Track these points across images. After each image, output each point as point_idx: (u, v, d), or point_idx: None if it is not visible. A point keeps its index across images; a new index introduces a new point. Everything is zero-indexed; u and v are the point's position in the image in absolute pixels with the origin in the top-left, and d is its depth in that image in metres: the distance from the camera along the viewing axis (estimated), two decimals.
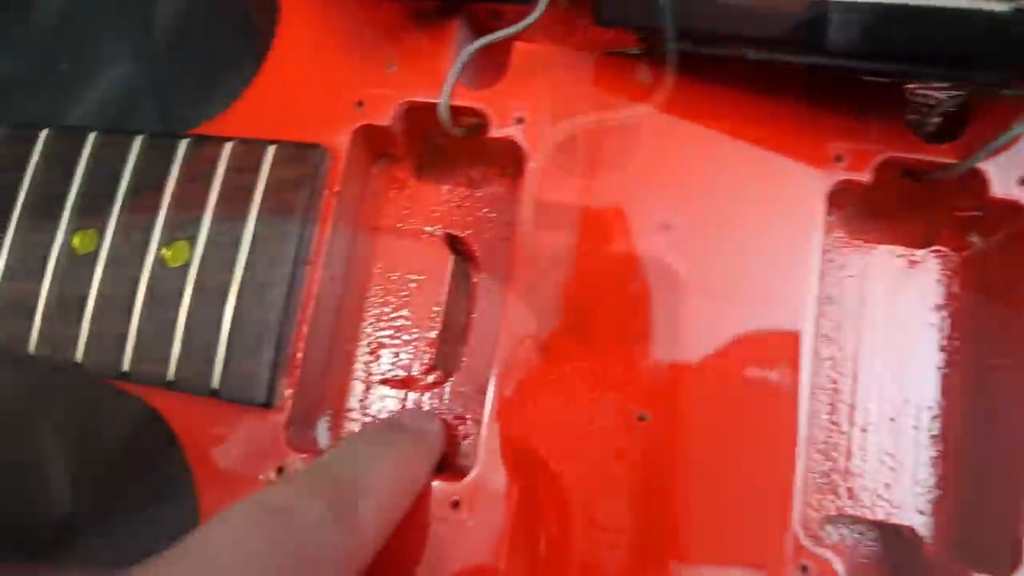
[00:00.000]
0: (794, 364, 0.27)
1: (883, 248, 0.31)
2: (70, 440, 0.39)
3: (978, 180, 0.28)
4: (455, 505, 0.27)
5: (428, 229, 0.33)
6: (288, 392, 0.29)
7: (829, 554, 0.26)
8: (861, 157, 0.28)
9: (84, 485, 0.38)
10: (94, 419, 0.39)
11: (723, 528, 0.26)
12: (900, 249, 0.31)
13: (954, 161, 0.28)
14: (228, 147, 0.30)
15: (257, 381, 0.28)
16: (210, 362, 0.28)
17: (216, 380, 0.28)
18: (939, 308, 0.31)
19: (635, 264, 0.28)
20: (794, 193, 0.28)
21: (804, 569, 0.26)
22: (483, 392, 0.29)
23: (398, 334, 0.32)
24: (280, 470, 0.28)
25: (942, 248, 0.31)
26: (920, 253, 0.31)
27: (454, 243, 0.33)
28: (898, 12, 0.25)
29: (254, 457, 0.28)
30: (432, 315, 0.32)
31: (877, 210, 0.31)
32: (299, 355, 0.29)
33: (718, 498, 0.27)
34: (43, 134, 0.32)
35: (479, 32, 0.32)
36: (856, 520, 0.29)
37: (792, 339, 0.27)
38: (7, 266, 0.30)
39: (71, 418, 0.39)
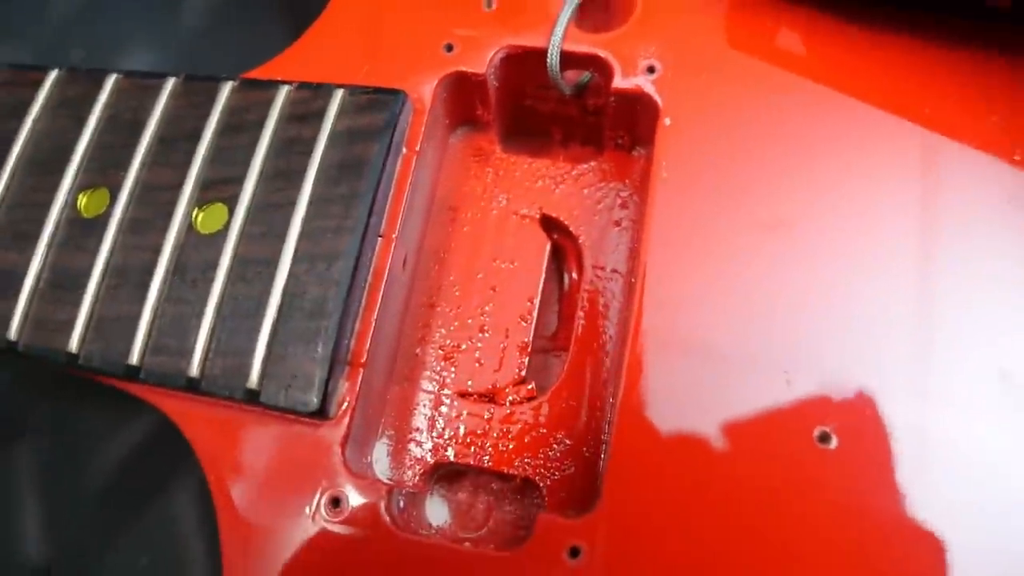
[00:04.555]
0: None
1: None
2: (47, 481, 0.31)
3: None
4: (574, 553, 0.20)
5: (523, 211, 0.27)
6: (348, 398, 0.22)
7: None
8: None
9: (61, 534, 0.31)
10: (80, 448, 0.32)
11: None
12: None
13: None
14: (284, 91, 0.24)
15: (309, 382, 0.21)
16: (247, 355, 0.21)
17: (254, 379, 0.21)
18: None
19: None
20: None
21: None
22: (592, 412, 0.22)
23: (480, 335, 0.26)
24: (335, 501, 0.21)
25: None
26: None
27: (553, 227, 0.27)
28: None
29: (300, 483, 0.21)
30: (524, 314, 0.26)
31: None
32: (364, 350, 0.22)
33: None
34: (51, 76, 0.26)
35: None
36: None
37: None
38: None
39: (51, 451, 0.32)
